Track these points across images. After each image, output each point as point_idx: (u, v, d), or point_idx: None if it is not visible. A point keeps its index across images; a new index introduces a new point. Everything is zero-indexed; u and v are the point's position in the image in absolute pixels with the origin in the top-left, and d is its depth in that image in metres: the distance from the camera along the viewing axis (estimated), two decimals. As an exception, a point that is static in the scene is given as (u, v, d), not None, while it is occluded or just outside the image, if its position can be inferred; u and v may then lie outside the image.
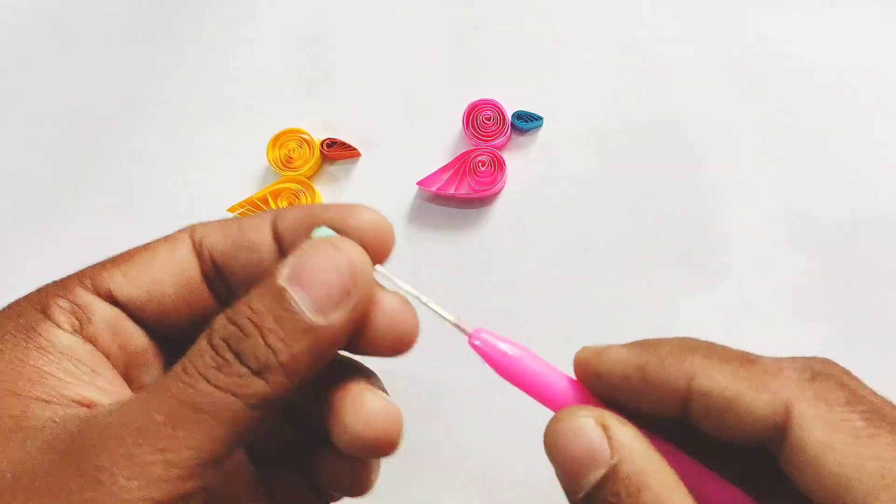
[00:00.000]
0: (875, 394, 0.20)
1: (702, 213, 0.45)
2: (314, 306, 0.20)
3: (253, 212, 0.47)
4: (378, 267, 0.23)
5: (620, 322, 0.44)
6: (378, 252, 0.23)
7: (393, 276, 0.23)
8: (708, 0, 0.49)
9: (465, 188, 0.46)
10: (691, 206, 0.46)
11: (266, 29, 0.52)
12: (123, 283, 0.23)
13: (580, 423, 0.20)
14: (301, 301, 0.20)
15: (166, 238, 0.25)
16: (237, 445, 0.20)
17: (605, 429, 0.20)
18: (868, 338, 0.43)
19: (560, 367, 0.26)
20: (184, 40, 0.52)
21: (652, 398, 0.21)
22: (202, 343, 0.20)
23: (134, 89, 0.52)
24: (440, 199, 0.48)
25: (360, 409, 0.22)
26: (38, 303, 0.22)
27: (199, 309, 0.24)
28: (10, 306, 0.23)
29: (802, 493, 0.19)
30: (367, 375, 0.24)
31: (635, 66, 0.48)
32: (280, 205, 0.47)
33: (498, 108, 0.47)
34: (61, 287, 0.23)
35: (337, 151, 0.48)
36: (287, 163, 0.48)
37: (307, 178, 0.48)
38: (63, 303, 0.22)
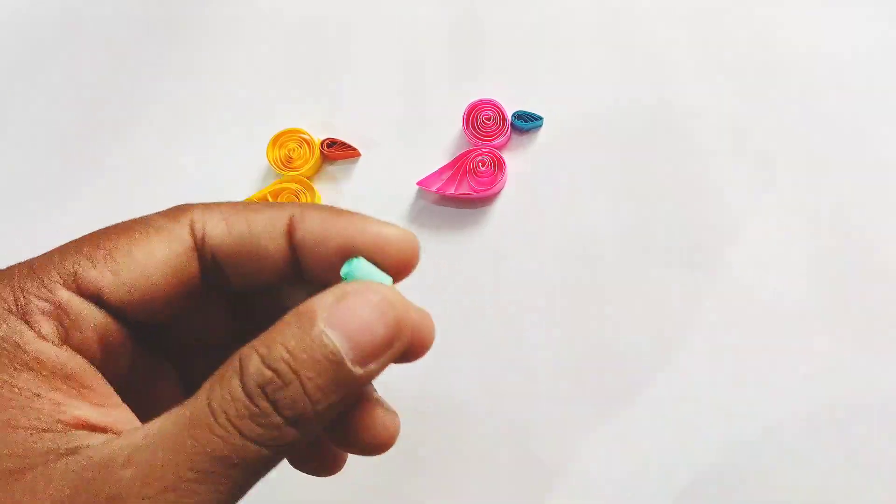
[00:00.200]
0: None
1: (703, 213, 0.45)
2: (356, 358, 0.20)
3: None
4: None
5: (620, 321, 0.44)
6: (402, 274, 0.22)
7: None
8: (710, 1, 0.49)
9: (465, 188, 0.46)
10: (692, 206, 0.46)
11: (266, 28, 0.52)
12: (114, 285, 0.21)
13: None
14: (343, 351, 0.19)
15: (159, 224, 0.22)
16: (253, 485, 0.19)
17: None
18: (869, 338, 0.43)
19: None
20: (184, 40, 0.52)
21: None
22: (234, 386, 0.19)
23: (134, 89, 0.52)
24: (440, 199, 0.48)
25: (371, 422, 0.22)
26: (16, 305, 0.20)
27: (189, 300, 0.23)
28: None
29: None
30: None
31: (636, 66, 0.48)
32: (280, 205, 0.47)
33: (498, 108, 0.47)
34: (38, 282, 0.20)
35: (337, 151, 0.48)
36: (287, 163, 0.48)
37: (307, 178, 0.48)
38: (45, 306, 0.20)
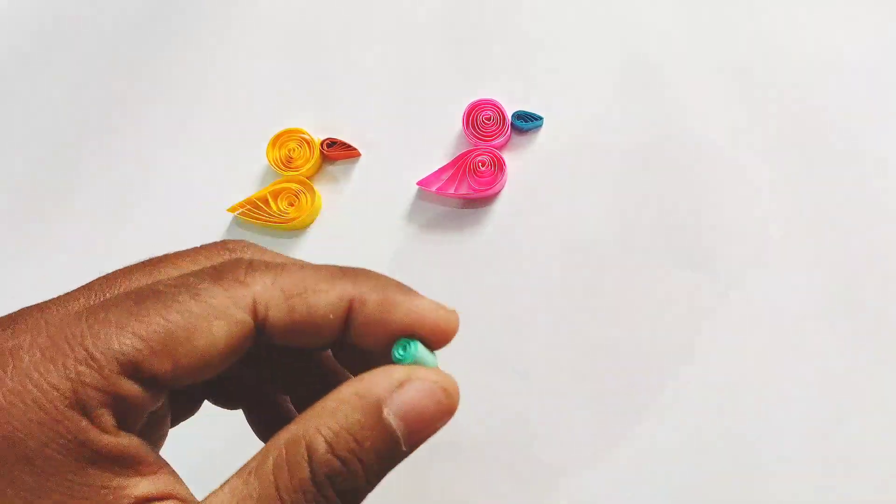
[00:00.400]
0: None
1: (703, 214, 0.45)
2: (410, 441, 0.21)
3: (253, 211, 0.47)
4: None
5: (620, 321, 0.44)
6: (440, 346, 0.23)
7: None
8: (710, 0, 0.49)
9: (465, 188, 0.46)
10: (692, 207, 0.46)
11: (266, 29, 0.52)
12: (172, 373, 0.20)
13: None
14: (402, 437, 0.21)
15: (221, 308, 0.20)
16: None
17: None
18: (871, 338, 0.43)
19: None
20: (184, 40, 0.52)
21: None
22: (303, 476, 0.19)
23: (134, 89, 0.52)
24: (440, 199, 0.48)
25: None
26: (76, 398, 0.18)
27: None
28: (37, 403, 0.18)
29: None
30: None
31: (636, 66, 0.48)
32: (280, 205, 0.47)
33: (498, 108, 0.47)
34: (98, 373, 0.19)
35: (337, 151, 0.48)
36: (287, 163, 0.48)
37: (307, 178, 0.48)
38: (105, 399, 0.19)
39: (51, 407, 0.18)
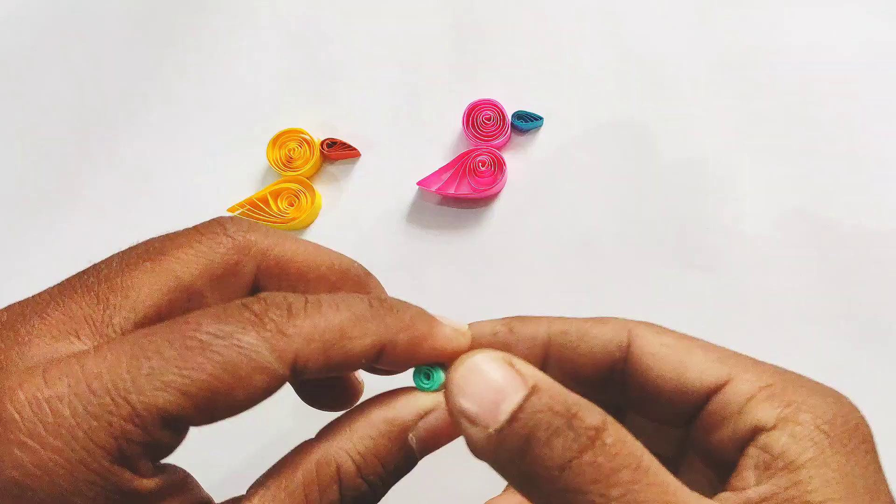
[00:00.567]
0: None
1: (702, 213, 0.45)
2: (423, 455, 0.23)
3: (253, 211, 0.47)
4: None
5: (620, 322, 0.44)
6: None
7: None
8: (709, 1, 0.49)
9: (465, 188, 0.46)
10: (692, 206, 0.46)
11: (266, 29, 0.52)
12: (210, 421, 0.20)
13: (488, 359, 0.20)
14: (418, 453, 0.23)
15: (264, 363, 0.20)
16: None
17: (508, 362, 0.21)
18: (869, 338, 0.43)
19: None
20: (184, 40, 0.52)
21: (519, 348, 0.25)
22: (334, 498, 0.21)
23: (134, 89, 0.52)
24: (440, 199, 0.48)
25: None
26: (118, 450, 0.19)
27: None
28: (83, 463, 0.18)
29: (647, 395, 0.24)
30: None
31: (635, 66, 0.48)
32: (280, 205, 0.47)
33: (498, 108, 0.47)
34: (139, 427, 0.19)
35: (337, 151, 0.48)
36: (287, 163, 0.48)
37: (307, 178, 0.48)
38: (144, 450, 0.19)
39: (97, 466, 0.18)
